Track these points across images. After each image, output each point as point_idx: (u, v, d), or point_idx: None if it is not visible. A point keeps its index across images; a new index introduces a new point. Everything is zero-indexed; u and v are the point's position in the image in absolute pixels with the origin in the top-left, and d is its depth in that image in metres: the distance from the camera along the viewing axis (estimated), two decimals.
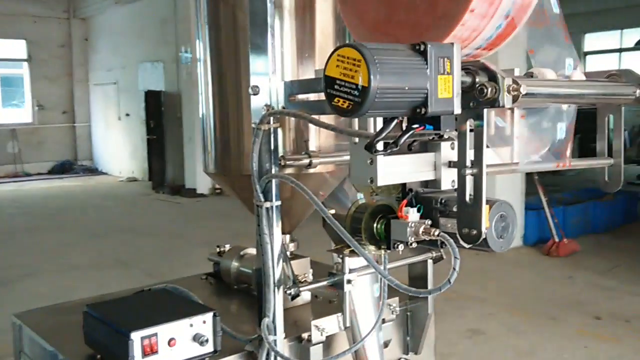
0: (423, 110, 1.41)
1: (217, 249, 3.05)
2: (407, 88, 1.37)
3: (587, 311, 6.94)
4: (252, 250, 2.92)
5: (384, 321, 2.44)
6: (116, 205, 15.46)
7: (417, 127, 1.44)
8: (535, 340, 6.17)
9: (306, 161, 2.23)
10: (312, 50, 2.46)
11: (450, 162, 1.95)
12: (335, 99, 1.41)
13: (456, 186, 1.96)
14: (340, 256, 2.24)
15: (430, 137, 1.91)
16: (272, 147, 2.09)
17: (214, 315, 2.12)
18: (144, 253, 10.13)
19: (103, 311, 2.17)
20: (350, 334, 2.32)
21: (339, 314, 2.31)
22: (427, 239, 1.85)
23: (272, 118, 2.07)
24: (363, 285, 2.27)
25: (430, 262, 2.55)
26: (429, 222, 1.86)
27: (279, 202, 2.11)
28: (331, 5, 2.48)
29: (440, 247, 1.90)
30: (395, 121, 1.43)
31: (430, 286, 2.58)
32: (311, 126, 2.44)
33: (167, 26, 17.29)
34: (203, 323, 2.10)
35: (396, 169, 1.85)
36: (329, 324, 2.32)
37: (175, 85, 17.31)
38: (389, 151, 1.43)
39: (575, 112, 1.93)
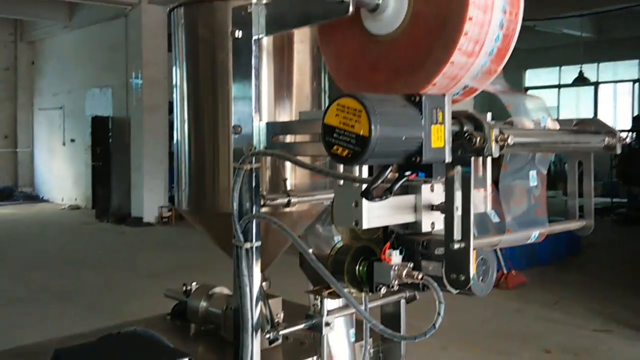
0: (418, 158, 1.44)
1: (184, 287, 2.98)
2: (403, 138, 1.40)
3: (537, 345, 7.05)
4: (221, 290, 2.88)
5: None
6: (58, 234, 15.04)
7: (410, 174, 1.47)
8: None
9: (285, 200, 2.23)
10: (290, 90, 2.48)
11: (431, 205, 1.97)
12: (334, 147, 1.43)
13: (436, 228, 2.00)
14: (317, 298, 2.23)
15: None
16: (254, 187, 2.09)
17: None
18: (86, 285, 9.84)
19: (73, 357, 2.10)
20: None
21: (313, 358, 2.30)
22: (409, 282, 1.87)
23: (254, 158, 2.07)
24: (339, 327, 2.27)
25: (403, 302, 2.56)
26: (411, 264, 1.88)
27: (259, 243, 2.10)
28: (309, 46, 2.51)
29: (422, 290, 1.91)
30: (390, 168, 1.45)
31: (403, 326, 2.60)
32: (288, 165, 2.45)
33: (117, 52, 17.12)
34: None
35: (380, 212, 1.87)
36: None
37: (124, 112, 17.10)
38: (384, 198, 1.45)
39: (548, 162, 1.99)
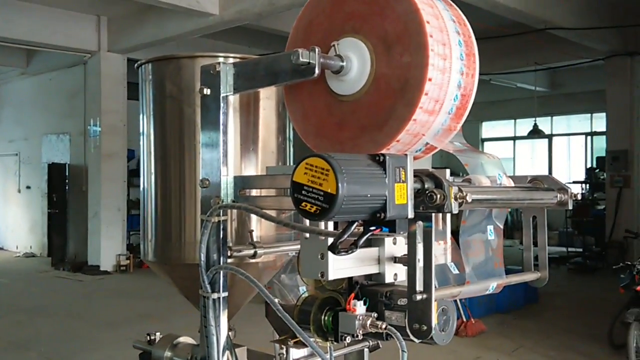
0: (382, 215, 1.53)
1: (147, 337, 3.00)
2: (369, 195, 1.49)
3: None
4: (185, 340, 2.90)
5: None
6: (12, 282, 14.68)
7: (374, 229, 1.55)
8: None
9: (251, 251, 2.29)
10: (256, 145, 2.56)
11: (394, 257, 2.06)
12: (303, 204, 1.51)
13: (398, 279, 2.08)
14: (282, 347, 2.29)
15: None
16: (221, 239, 2.15)
17: None
18: (41, 335, 9.59)
19: None
20: None
21: None
22: (373, 331, 1.94)
23: (221, 211, 2.13)
24: None
25: (366, 351, 2.62)
26: (375, 314, 1.96)
27: (226, 293, 2.16)
28: (274, 102, 2.61)
29: (385, 339, 1.98)
30: (356, 224, 1.54)
31: None
32: (253, 217, 2.52)
33: (75, 99, 17.05)
34: None
35: (345, 264, 1.95)
36: None
37: (81, 159, 16.95)
38: (350, 252, 1.53)
39: (505, 216, 2.10)
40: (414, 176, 1.71)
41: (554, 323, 10.30)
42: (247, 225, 2.51)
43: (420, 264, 1.73)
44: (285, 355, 2.23)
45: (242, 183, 2.16)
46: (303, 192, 1.53)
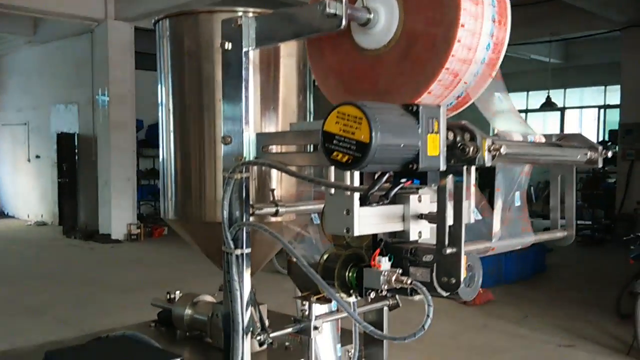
0: (414, 165, 1.51)
1: (167, 296, 3.02)
2: (402, 145, 1.47)
3: (503, 359, 7.15)
4: (205, 297, 2.92)
5: None
6: (24, 250, 14.82)
7: (405, 181, 1.54)
8: None
9: (273, 209, 2.28)
10: (276, 104, 2.54)
11: (419, 214, 2.05)
12: (334, 153, 1.49)
13: (423, 237, 2.07)
14: (304, 303, 2.29)
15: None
16: (244, 196, 2.14)
17: None
18: (55, 300, 9.72)
19: (65, 358, 2.12)
20: None
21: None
22: (398, 287, 1.94)
23: (244, 168, 2.12)
24: (326, 337, 2.33)
25: (386, 309, 2.63)
26: (399, 270, 1.95)
27: (249, 250, 2.15)
28: (295, 60, 2.58)
29: (410, 295, 1.98)
30: (387, 175, 1.52)
31: (385, 331, 2.66)
32: (274, 176, 2.51)
33: (83, 68, 16.99)
34: None
35: (370, 220, 1.94)
36: None
37: (90, 128, 16.95)
38: (381, 204, 1.51)
39: (528, 181, 2.08)
40: (447, 129, 1.68)
41: (562, 293, 10.34)
42: (268, 184, 2.50)
43: (449, 219, 1.71)
44: (307, 311, 2.23)
45: (265, 140, 2.14)
46: (334, 141, 1.51)
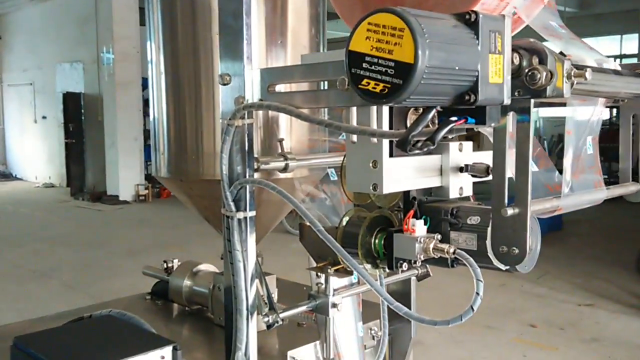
0: (472, 97, 1.10)
1: (164, 265, 2.66)
2: (457, 68, 1.07)
3: (522, 319, 6.89)
4: (206, 267, 2.57)
5: (365, 347, 2.13)
6: (32, 212, 14.59)
7: (457, 120, 1.14)
8: (474, 349, 6.06)
9: (282, 164, 1.90)
10: (284, 37, 2.14)
11: (461, 167, 1.67)
12: (364, 81, 1.09)
13: (464, 194, 1.70)
14: (320, 275, 1.93)
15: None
16: (247, 147, 1.76)
17: (174, 349, 1.76)
18: (63, 263, 9.48)
19: (36, 345, 1.77)
20: None
21: (316, 342, 2.00)
22: (436, 256, 1.57)
23: (246, 113, 1.73)
24: (346, 314, 1.97)
25: (414, 280, 2.27)
26: (438, 236, 1.58)
27: (253, 212, 1.78)
28: None
29: (451, 266, 1.61)
30: (434, 111, 1.12)
31: (413, 306, 2.31)
32: (283, 124, 2.14)
33: (87, 26, 16.53)
34: (160, 358, 1.73)
35: (401, 174, 1.56)
36: (306, 355, 2.00)
37: (96, 87, 16.57)
38: (425, 149, 1.13)
39: (600, 124, 1.67)
40: (512, 49, 1.27)
41: (579, 250, 10.06)
42: (275, 133, 2.12)
43: (509, 171, 1.32)
44: (324, 285, 1.87)
45: (271, 77, 1.75)
46: (364, 64, 1.10)
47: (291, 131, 2.15)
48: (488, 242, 1.38)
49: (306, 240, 1.94)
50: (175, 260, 2.68)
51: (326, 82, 1.65)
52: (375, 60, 1.07)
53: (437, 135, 1.12)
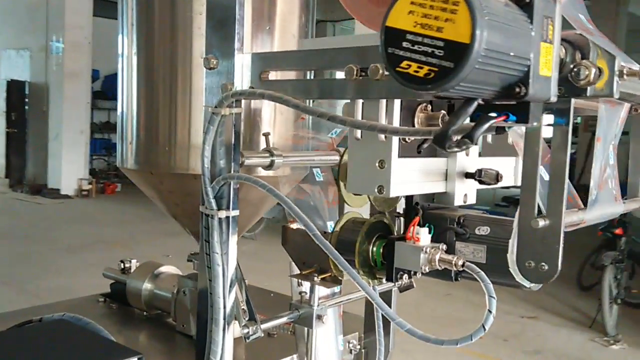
0: (522, 90, 0.96)
1: (121, 265, 2.45)
2: (511, 54, 0.92)
3: (468, 329, 6.82)
4: (168, 269, 2.37)
5: None
6: None
7: (497, 117, 1.00)
8: (420, 359, 5.99)
9: (267, 160, 1.73)
10: (272, 23, 1.97)
11: (466, 172, 1.54)
12: (403, 63, 0.93)
13: (468, 201, 1.56)
14: (301, 284, 1.78)
15: None
16: (233, 140, 1.58)
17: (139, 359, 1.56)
18: None
19: None
20: None
21: (293, 356, 1.84)
22: (440, 268, 1.43)
23: (234, 101, 1.56)
24: (327, 320, 1.81)
25: (395, 290, 2.12)
26: (443, 246, 1.44)
27: (236, 212, 1.61)
28: None
29: (455, 280, 1.48)
30: (476, 103, 0.97)
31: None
32: (266, 117, 1.97)
33: (36, 12, 15.95)
34: None
35: (409, 177, 1.42)
36: None
37: (42, 77, 15.99)
38: (464, 148, 0.98)
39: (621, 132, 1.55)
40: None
41: None
42: (258, 126, 1.95)
43: (538, 178, 1.18)
44: (307, 295, 1.70)
45: (264, 63, 1.58)
46: (405, 44, 0.93)
47: (274, 125, 1.98)
48: (511, 256, 1.24)
49: (289, 244, 1.78)
50: (134, 261, 2.47)
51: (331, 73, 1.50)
52: (420, 39, 0.92)
53: (476, 133, 0.97)
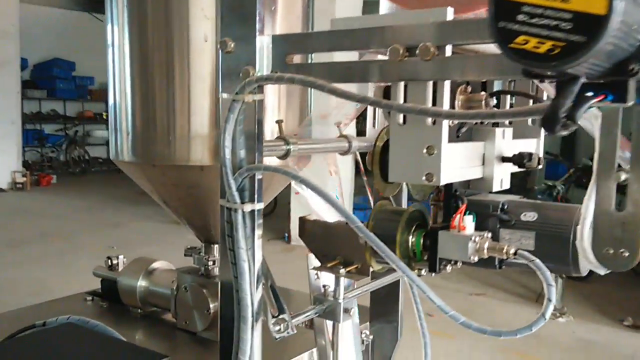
0: (636, 68, 0.89)
1: (108, 261, 2.32)
2: (634, 27, 0.85)
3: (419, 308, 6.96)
4: (162, 265, 2.26)
5: None
6: None
7: (596, 96, 0.94)
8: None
9: (283, 149, 1.64)
10: (275, 3, 1.88)
11: (503, 156, 1.49)
12: (519, 39, 0.85)
13: (503, 186, 1.52)
14: (318, 276, 1.71)
15: None
16: (257, 129, 1.49)
17: None
18: None
19: None
20: None
21: (312, 350, 1.77)
22: (486, 257, 1.38)
23: (256, 86, 1.47)
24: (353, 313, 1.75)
25: (401, 281, 2.08)
26: (489, 234, 1.40)
27: (261, 205, 1.52)
28: None
29: (499, 268, 1.43)
30: (581, 81, 0.90)
31: (401, 307, 2.12)
32: (270, 104, 1.88)
33: None
34: None
35: (456, 162, 1.36)
36: None
37: None
38: (570, 130, 0.92)
39: None
40: None
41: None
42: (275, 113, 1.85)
43: None
44: (333, 288, 1.63)
45: (290, 45, 1.49)
46: (520, 16, 0.85)
47: (278, 114, 1.89)
48: (581, 243, 1.19)
49: (308, 236, 1.70)
50: (121, 257, 2.34)
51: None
52: (540, 10, 0.84)
53: (577, 113, 0.91)
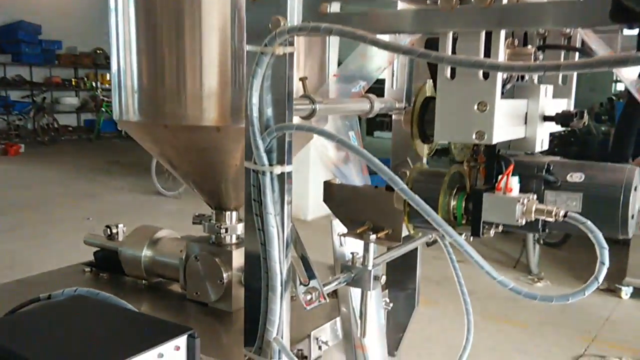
0: None
1: (107, 231, 2.21)
2: None
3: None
4: (167, 233, 2.15)
5: None
6: None
7: None
8: None
9: (308, 108, 1.54)
10: None
11: (545, 115, 1.42)
12: None
13: (544, 147, 1.46)
14: (342, 244, 1.63)
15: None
16: (287, 85, 1.39)
17: (191, 337, 1.37)
18: None
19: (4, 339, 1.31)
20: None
21: (336, 319, 1.69)
22: (532, 219, 1.32)
23: (287, 38, 1.36)
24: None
25: (419, 247, 2.01)
26: (534, 196, 1.33)
27: (291, 167, 1.42)
28: None
29: (542, 231, 1.37)
30: None
31: (419, 274, 2.06)
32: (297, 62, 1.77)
33: None
34: (175, 350, 1.35)
35: (506, 121, 1.28)
36: (328, 335, 1.69)
37: None
38: None
39: None
40: None
41: None
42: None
43: None
44: (362, 254, 1.55)
45: None
46: None
47: (309, 69, 1.79)
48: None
49: (334, 201, 1.61)
50: (120, 226, 2.23)
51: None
52: None
53: None
